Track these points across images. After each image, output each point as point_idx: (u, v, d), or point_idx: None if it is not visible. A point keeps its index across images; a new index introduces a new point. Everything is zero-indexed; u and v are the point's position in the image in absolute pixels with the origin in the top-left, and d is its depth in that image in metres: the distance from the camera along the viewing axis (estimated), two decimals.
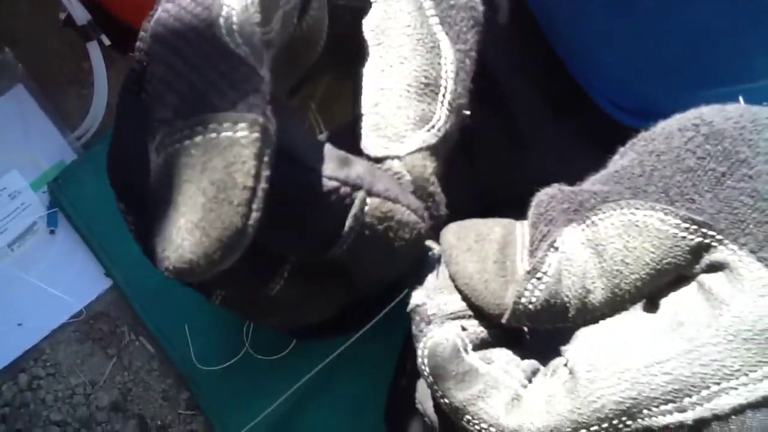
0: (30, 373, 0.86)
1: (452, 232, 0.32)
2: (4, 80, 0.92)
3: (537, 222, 0.31)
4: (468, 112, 0.35)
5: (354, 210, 0.30)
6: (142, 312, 0.86)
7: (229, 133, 0.25)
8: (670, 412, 0.25)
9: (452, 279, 0.32)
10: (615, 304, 0.30)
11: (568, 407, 0.27)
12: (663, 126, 0.31)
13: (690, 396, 0.25)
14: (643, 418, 0.26)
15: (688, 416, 0.25)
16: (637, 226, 0.28)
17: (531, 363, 0.31)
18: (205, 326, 0.86)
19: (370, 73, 0.35)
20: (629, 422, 0.26)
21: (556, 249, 0.30)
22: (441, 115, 0.35)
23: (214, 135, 0.25)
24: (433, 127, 0.34)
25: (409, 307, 0.32)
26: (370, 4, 0.35)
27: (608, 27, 0.49)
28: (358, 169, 0.31)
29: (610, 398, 0.25)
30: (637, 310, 0.29)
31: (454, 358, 0.30)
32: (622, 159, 0.32)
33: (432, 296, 0.32)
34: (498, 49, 0.60)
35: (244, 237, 0.26)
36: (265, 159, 0.25)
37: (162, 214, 0.27)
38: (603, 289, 0.29)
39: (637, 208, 0.28)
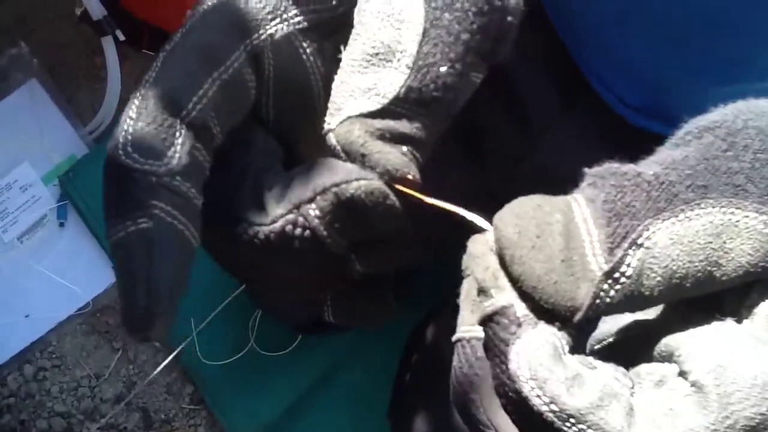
0: (36, 365, 0.86)
1: (510, 224, 0.29)
2: (19, 74, 0.94)
3: (617, 215, 0.29)
4: (444, 69, 0.34)
5: (309, 225, 0.30)
6: None
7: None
8: None
9: (515, 279, 0.29)
10: (697, 303, 0.28)
11: (702, 423, 0.25)
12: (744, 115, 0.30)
13: None
14: None
15: None
16: (736, 226, 0.27)
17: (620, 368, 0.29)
18: (210, 321, 0.86)
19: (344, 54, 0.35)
20: None
21: (640, 246, 0.28)
22: (393, 79, 0.34)
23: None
24: (376, 94, 0.34)
25: (489, 309, 0.29)
26: None
27: (621, 8, 0.48)
28: (294, 190, 0.31)
29: (742, 413, 0.25)
30: (727, 319, 0.28)
31: (558, 361, 0.28)
32: (700, 145, 0.30)
33: (513, 297, 0.29)
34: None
35: None
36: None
37: None
38: (689, 287, 0.28)
39: (738, 208, 0.27)
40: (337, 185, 0.31)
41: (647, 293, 0.27)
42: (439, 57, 0.34)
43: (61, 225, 0.90)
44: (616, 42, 0.51)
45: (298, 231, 0.30)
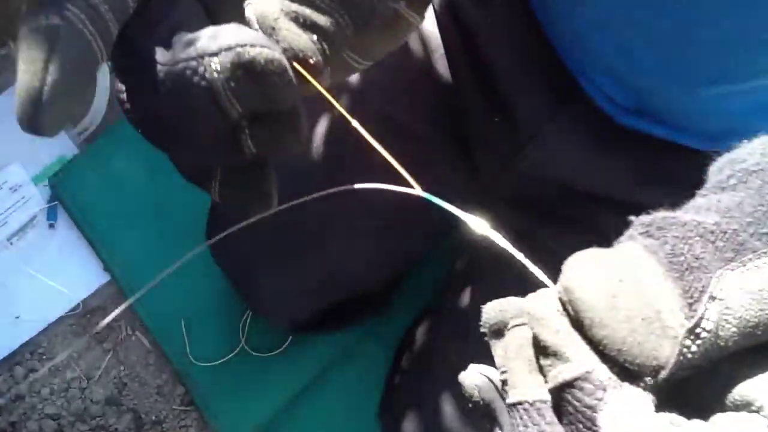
0: (26, 366, 0.86)
1: (582, 286, 0.28)
2: (9, 74, 0.93)
3: (689, 268, 0.28)
4: None
5: (208, 76, 0.31)
6: (139, 307, 0.87)
7: None
8: None
9: (596, 343, 0.28)
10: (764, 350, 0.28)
11: None
12: None
13: None
14: None
15: None
16: None
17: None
18: (201, 322, 0.86)
19: None
20: None
21: (714, 298, 0.27)
22: None
23: None
24: None
25: (568, 375, 0.28)
26: None
27: (602, 14, 0.49)
28: (201, 41, 0.32)
29: None
30: None
31: (656, 424, 0.27)
32: (750, 190, 0.29)
33: (594, 361, 0.28)
34: (496, 46, 0.61)
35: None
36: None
37: None
38: (761, 334, 0.27)
39: None
40: (241, 46, 0.32)
41: (722, 344, 0.27)
42: None
43: (51, 226, 0.90)
44: (600, 46, 0.52)
45: (196, 79, 0.31)
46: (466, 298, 0.72)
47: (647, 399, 0.27)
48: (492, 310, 0.30)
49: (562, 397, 0.28)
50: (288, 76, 0.33)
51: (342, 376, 0.85)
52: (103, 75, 0.87)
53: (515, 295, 0.30)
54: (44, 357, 0.87)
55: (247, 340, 0.85)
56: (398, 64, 0.66)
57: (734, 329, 0.27)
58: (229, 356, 0.85)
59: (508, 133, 0.61)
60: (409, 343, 0.78)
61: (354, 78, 0.66)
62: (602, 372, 0.27)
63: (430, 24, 0.66)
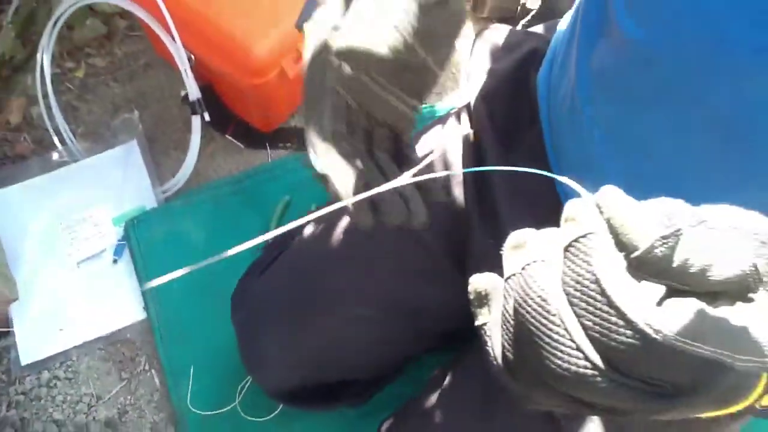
0: (52, 373, 0.97)
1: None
2: (125, 135, 1.13)
3: None
4: None
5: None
6: (161, 346, 0.96)
7: None
8: None
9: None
10: None
11: None
12: None
13: None
14: None
15: None
16: None
17: None
18: (209, 373, 0.94)
19: None
20: None
21: None
22: None
23: None
24: None
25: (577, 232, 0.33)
26: None
27: (598, 151, 0.57)
28: None
29: None
30: None
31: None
32: None
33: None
34: (504, 190, 0.70)
35: None
36: None
37: None
38: None
39: None
40: None
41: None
42: None
43: (115, 261, 1.04)
44: (592, 183, 0.60)
45: None
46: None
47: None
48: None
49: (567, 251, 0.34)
50: None
51: None
52: (196, 146, 1.04)
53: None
54: (70, 369, 0.97)
55: (243, 400, 0.92)
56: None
57: None
58: (222, 410, 0.92)
59: (494, 249, 0.69)
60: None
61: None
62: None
63: (454, 154, 0.77)
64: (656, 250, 0.31)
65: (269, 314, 0.79)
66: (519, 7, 1.15)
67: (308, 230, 0.84)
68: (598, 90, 0.57)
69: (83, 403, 0.95)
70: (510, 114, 0.72)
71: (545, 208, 0.56)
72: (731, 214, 0.33)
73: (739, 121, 0.47)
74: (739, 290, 0.31)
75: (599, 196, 0.34)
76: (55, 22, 1.03)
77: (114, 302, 1.01)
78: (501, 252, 0.68)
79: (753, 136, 0.47)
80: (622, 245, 0.32)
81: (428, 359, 0.81)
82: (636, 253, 0.32)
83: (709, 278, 0.30)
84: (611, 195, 0.33)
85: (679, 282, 0.31)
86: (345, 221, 0.79)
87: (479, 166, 0.74)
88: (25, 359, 0.97)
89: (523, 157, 0.69)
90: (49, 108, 1.08)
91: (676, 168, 0.53)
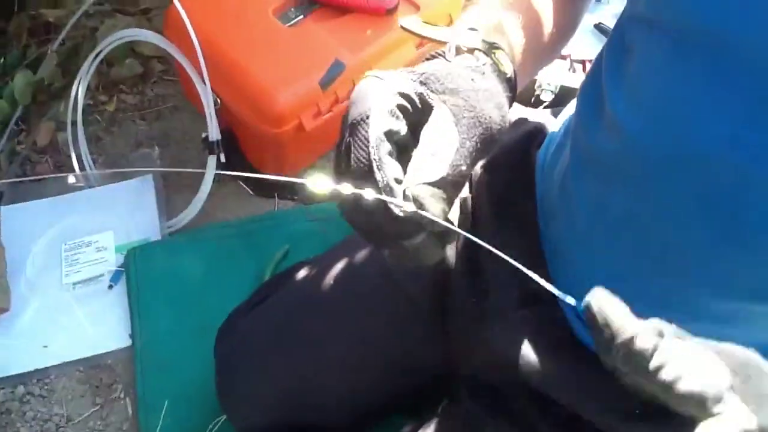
0: (27, 389, 0.96)
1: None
2: (142, 168, 1.17)
3: None
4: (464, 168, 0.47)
5: None
6: (140, 376, 0.96)
7: None
8: None
9: None
10: None
11: None
12: None
13: None
14: None
15: None
16: None
17: None
18: (183, 408, 0.93)
19: None
20: None
21: None
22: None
23: None
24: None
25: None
26: None
27: (584, 228, 0.60)
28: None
29: None
30: None
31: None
32: None
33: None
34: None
35: None
36: None
37: None
38: None
39: None
40: None
41: None
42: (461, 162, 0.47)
43: (110, 287, 1.05)
44: (580, 258, 0.61)
45: None
46: None
47: None
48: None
49: None
50: None
51: None
52: (207, 185, 1.07)
53: None
54: (45, 387, 0.97)
55: None
56: None
57: None
58: None
59: (478, 320, 0.70)
60: None
61: None
62: None
63: (451, 215, 0.79)
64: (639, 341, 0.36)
65: (250, 351, 0.79)
66: (533, 98, 1.20)
67: (300, 275, 0.85)
68: (588, 167, 0.59)
69: (52, 422, 0.94)
70: (508, 185, 0.74)
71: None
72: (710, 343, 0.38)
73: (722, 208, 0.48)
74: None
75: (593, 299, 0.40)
76: (96, 56, 1.09)
77: (102, 327, 1.02)
78: (481, 309, 0.69)
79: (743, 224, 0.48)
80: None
81: (397, 419, 0.80)
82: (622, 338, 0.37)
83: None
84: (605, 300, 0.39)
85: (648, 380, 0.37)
86: (336, 267, 0.81)
87: (473, 231, 0.76)
88: (3, 371, 0.97)
89: (515, 228, 0.71)
90: (75, 135, 1.13)
91: (661, 245, 0.54)
